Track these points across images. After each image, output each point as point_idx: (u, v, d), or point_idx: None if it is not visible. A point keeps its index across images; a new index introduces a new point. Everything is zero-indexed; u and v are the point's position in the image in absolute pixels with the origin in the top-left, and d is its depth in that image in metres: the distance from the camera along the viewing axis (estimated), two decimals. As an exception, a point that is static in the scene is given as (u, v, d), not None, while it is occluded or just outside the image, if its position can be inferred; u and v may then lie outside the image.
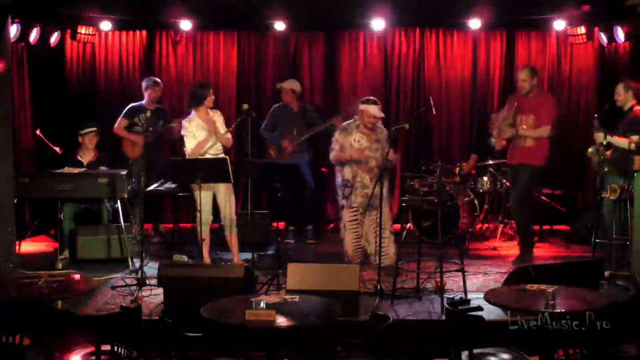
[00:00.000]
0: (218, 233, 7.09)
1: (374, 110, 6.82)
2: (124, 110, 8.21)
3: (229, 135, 6.91)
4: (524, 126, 7.00)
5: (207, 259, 6.82)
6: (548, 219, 8.58)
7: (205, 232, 6.76)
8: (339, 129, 6.99)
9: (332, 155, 6.96)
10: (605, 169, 6.89)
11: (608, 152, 6.91)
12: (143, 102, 8.25)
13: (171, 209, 8.94)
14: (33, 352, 4.20)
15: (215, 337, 4.59)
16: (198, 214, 6.62)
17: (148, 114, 8.13)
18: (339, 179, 6.99)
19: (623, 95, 6.88)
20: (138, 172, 7.69)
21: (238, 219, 6.98)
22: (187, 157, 6.79)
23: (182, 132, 6.84)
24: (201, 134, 6.74)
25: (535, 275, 5.21)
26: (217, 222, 7.02)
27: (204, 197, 6.62)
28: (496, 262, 7.32)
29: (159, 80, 8.40)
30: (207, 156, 6.75)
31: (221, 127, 6.82)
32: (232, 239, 6.89)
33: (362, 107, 6.86)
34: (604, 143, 6.79)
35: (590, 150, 7.06)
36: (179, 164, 6.86)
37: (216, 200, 6.85)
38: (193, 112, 6.81)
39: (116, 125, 8.14)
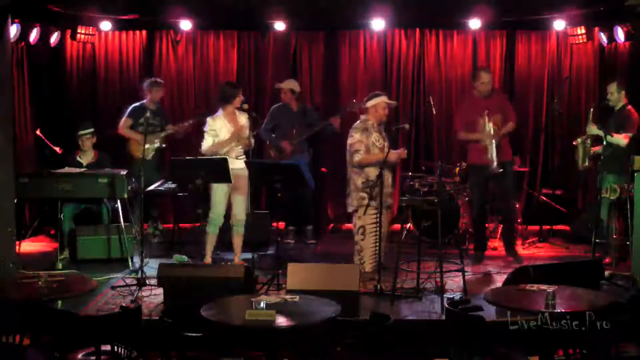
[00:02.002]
0: (220, 233, 7.07)
1: (386, 98, 6.69)
2: (127, 110, 8.18)
3: (252, 140, 6.86)
4: (494, 126, 7.05)
5: (209, 259, 6.81)
6: (548, 219, 8.58)
7: (215, 235, 6.77)
8: (357, 130, 6.63)
9: (359, 158, 6.55)
10: (587, 164, 7.02)
11: (595, 148, 6.98)
12: (144, 101, 8.25)
13: (171, 209, 8.94)
14: (33, 352, 4.20)
15: (215, 337, 4.59)
16: (212, 214, 6.66)
17: (149, 114, 8.14)
18: (358, 182, 6.62)
19: (616, 95, 6.93)
20: (147, 172, 7.76)
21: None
22: (203, 154, 6.77)
23: (205, 128, 6.77)
24: (225, 134, 6.69)
25: (535, 275, 5.22)
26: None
27: (222, 197, 6.65)
28: (496, 262, 7.31)
29: (162, 81, 8.41)
30: (231, 157, 6.68)
31: (246, 130, 6.74)
32: (238, 239, 6.87)
33: (374, 101, 6.62)
34: (605, 143, 6.81)
35: (578, 140, 7.13)
36: (178, 164, 6.86)
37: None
38: (220, 111, 6.76)
39: (120, 124, 8.12)
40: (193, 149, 8.18)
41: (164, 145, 8.25)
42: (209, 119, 6.77)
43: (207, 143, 6.73)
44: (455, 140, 9.41)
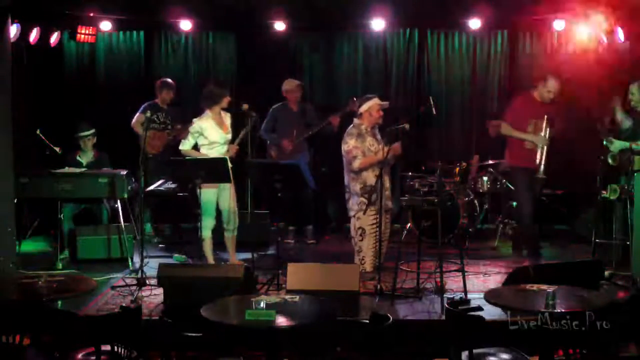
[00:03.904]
0: (218, 233, 7.06)
1: (378, 100, 6.66)
2: (141, 107, 8.20)
3: (236, 148, 6.79)
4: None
5: (211, 260, 6.78)
6: (548, 219, 8.58)
7: (210, 238, 6.70)
8: (351, 135, 6.62)
9: (358, 163, 6.54)
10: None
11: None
12: (157, 100, 8.31)
13: (171, 209, 8.93)
14: (33, 352, 4.20)
15: (215, 337, 4.59)
16: (203, 219, 6.57)
17: (154, 113, 8.20)
18: (357, 188, 6.63)
19: (637, 96, 6.86)
20: (157, 170, 7.76)
21: (238, 219, 6.95)
22: (181, 153, 6.73)
23: (190, 129, 6.69)
24: (213, 135, 6.61)
25: (535, 275, 5.21)
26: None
27: (212, 200, 6.59)
28: (496, 262, 7.31)
29: (173, 82, 8.45)
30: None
31: (230, 131, 6.70)
32: (233, 239, 6.83)
33: (367, 105, 6.62)
34: (612, 151, 6.77)
35: (610, 161, 6.89)
36: (178, 164, 6.86)
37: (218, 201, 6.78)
38: (207, 111, 6.65)
39: (134, 121, 8.16)
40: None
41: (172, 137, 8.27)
42: (195, 120, 6.65)
43: (188, 144, 6.63)
44: (455, 140, 9.46)
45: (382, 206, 6.28)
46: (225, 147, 6.68)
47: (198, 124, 6.61)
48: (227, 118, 6.74)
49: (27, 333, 4.21)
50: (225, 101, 6.67)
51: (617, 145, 6.77)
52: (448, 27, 9.23)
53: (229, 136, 6.68)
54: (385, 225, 6.67)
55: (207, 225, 6.64)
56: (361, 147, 6.58)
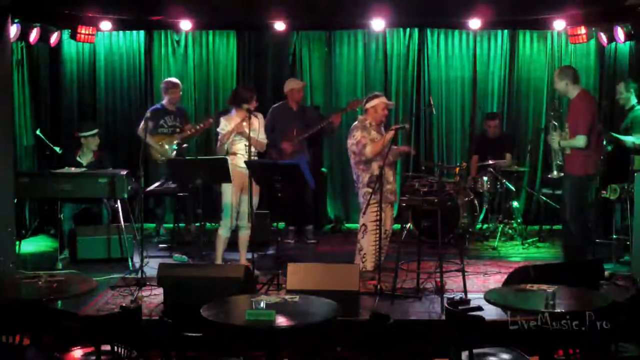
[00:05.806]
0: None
1: (385, 99, 6.68)
2: (147, 114, 8.05)
3: (265, 140, 6.86)
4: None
5: (220, 259, 6.79)
6: (548, 219, 8.57)
7: (227, 238, 6.71)
8: (357, 129, 6.60)
9: (370, 149, 6.48)
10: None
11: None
12: (163, 103, 8.25)
13: (171, 209, 8.94)
14: (33, 352, 4.21)
15: (215, 337, 4.59)
16: (224, 217, 6.61)
17: (172, 116, 8.16)
18: (365, 179, 6.59)
19: (624, 94, 6.91)
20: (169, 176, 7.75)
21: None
22: (218, 153, 6.76)
23: (218, 129, 6.76)
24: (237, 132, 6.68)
25: (535, 275, 5.22)
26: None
27: (233, 199, 6.60)
28: (496, 262, 7.32)
29: (179, 82, 8.40)
30: (239, 155, 6.66)
31: (260, 131, 6.74)
32: (245, 239, 6.80)
33: (373, 102, 6.61)
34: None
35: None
36: (178, 164, 6.85)
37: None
38: (233, 111, 6.74)
39: (140, 128, 8.00)
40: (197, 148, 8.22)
41: (184, 145, 8.22)
42: (222, 119, 6.75)
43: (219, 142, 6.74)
44: (455, 140, 9.47)
45: (382, 200, 6.25)
46: (251, 147, 6.66)
47: (225, 123, 6.70)
48: (254, 120, 6.65)
49: (27, 333, 4.22)
50: (252, 105, 6.69)
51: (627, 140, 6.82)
52: (448, 27, 9.22)
53: (252, 134, 6.67)
54: (387, 221, 6.67)
55: (226, 224, 6.68)
56: (367, 137, 6.56)
